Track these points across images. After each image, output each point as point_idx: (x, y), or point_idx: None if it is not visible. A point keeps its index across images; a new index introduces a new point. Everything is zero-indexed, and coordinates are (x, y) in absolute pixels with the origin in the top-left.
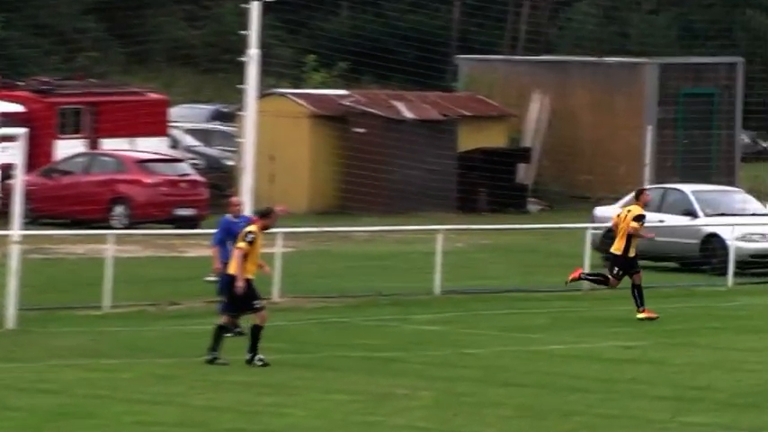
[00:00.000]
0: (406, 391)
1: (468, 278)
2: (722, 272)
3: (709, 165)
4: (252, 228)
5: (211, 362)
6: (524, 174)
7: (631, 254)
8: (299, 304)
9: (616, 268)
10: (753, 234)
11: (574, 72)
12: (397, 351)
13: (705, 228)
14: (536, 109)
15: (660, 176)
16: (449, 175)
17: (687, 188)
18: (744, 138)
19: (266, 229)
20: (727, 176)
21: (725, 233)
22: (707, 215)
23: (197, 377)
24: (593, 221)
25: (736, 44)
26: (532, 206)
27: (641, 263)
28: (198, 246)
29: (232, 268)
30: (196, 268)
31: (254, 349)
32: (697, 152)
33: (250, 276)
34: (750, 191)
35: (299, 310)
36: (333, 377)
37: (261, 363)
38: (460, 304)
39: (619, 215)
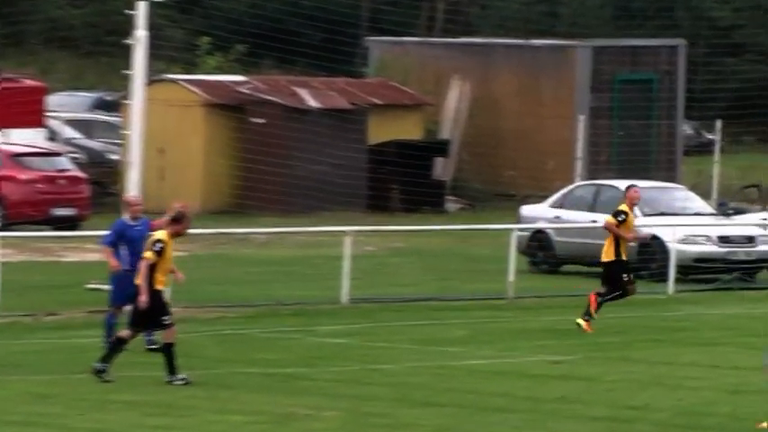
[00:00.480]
0: (310, 411)
1: (379, 285)
2: (662, 278)
3: (648, 159)
4: (160, 235)
5: (97, 373)
6: (442, 169)
7: (623, 256)
8: (191, 314)
9: (625, 275)
10: (696, 236)
11: (497, 56)
12: (299, 367)
13: (645, 229)
14: (455, 97)
15: (593, 172)
16: (358, 171)
17: (623, 185)
18: (686, 129)
19: (178, 235)
20: (667, 172)
21: (665, 235)
22: (645, 215)
23: (77, 396)
24: (519, 222)
25: (678, 25)
26: (451, 205)
27: (571, 269)
28: (78, 249)
29: (138, 280)
30: (76, 274)
31: (171, 370)
32: (634, 145)
33: (160, 288)
34: (693, 187)
35: (192, 321)
36: (229, 396)
37: (182, 382)
38: (370, 314)
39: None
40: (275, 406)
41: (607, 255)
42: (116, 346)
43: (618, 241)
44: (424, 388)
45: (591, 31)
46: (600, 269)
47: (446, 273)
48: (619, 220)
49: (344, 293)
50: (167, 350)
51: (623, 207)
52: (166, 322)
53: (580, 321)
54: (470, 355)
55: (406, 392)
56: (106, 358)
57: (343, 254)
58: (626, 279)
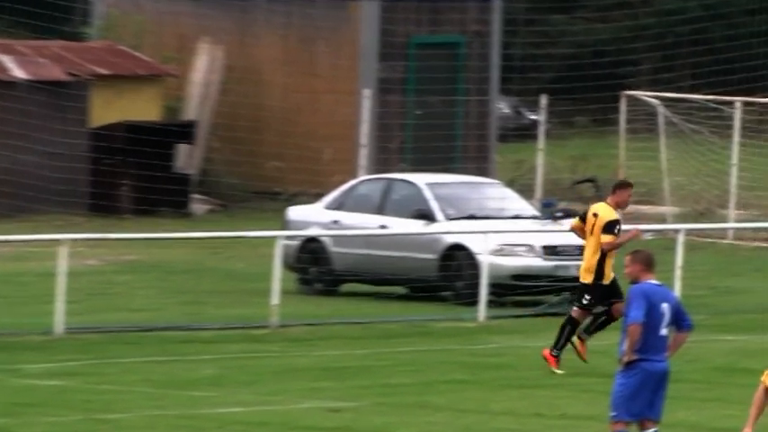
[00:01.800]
0: None
1: (104, 310)
2: (470, 300)
3: (453, 146)
4: None
5: None
6: (186, 159)
7: (607, 278)
8: None
9: (589, 298)
10: (515, 245)
11: (258, 13)
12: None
13: (446, 237)
14: (204, 66)
15: (382, 163)
16: (77, 161)
17: (421, 179)
18: (502, 107)
19: None
20: (478, 162)
21: (475, 245)
22: (449, 218)
23: None
24: (286, 228)
25: None
26: (198, 206)
27: (354, 288)
28: None
29: None
30: None
31: None
32: (435, 127)
33: None
34: (511, 183)
35: None
36: None
37: None
38: (94, 348)
39: (583, 217)
40: None
41: (585, 275)
42: None
43: (603, 263)
44: None
45: None
46: (390, 287)
47: (192, 294)
48: (616, 234)
49: (59, 321)
50: None
51: (612, 213)
52: None
53: (576, 341)
54: (223, 402)
55: None
56: None
57: (57, 269)
58: (587, 302)
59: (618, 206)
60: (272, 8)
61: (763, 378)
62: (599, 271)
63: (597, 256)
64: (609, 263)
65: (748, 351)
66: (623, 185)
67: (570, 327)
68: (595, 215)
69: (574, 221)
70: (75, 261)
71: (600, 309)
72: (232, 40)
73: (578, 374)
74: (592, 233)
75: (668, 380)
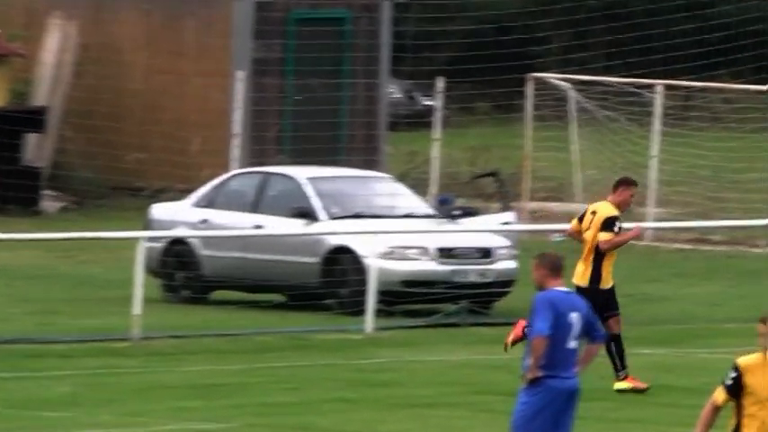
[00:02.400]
0: None
1: None
2: (356, 309)
3: (338, 135)
4: None
5: None
6: (36, 150)
7: (606, 283)
8: None
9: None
10: (407, 248)
11: None
12: None
13: (329, 238)
14: (55, 46)
15: (258, 154)
16: None
17: (301, 173)
18: (393, 91)
19: None
20: (366, 154)
21: (361, 247)
22: (333, 217)
23: None
24: (149, 228)
25: None
26: (49, 203)
27: (226, 296)
28: None
29: None
30: None
31: None
32: (317, 115)
33: None
34: (403, 177)
35: None
36: None
37: None
38: None
39: (581, 217)
40: None
41: (581, 278)
42: None
43: (599, 262)
44: None
45: None
46: (266, 295)
47: (43, 303)
48: (615, 232)
49: None
50: None
51: (612, 210)
52: None
53: (620, 385)
54: (79, 423)
55: None
56: None
57: None
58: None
59: (619, 207)
60: None
61: (714, 396)
62: (595, 274)
63: (592, 256)
64: (607, 265)
65: (668, 366)
66: (626, 183)
67: (614, 343)
68: (594, 213)
69: (572, 224)
70: None
71: None
72: (87, 15)
73: (477, 392)
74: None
75: (578, 398)
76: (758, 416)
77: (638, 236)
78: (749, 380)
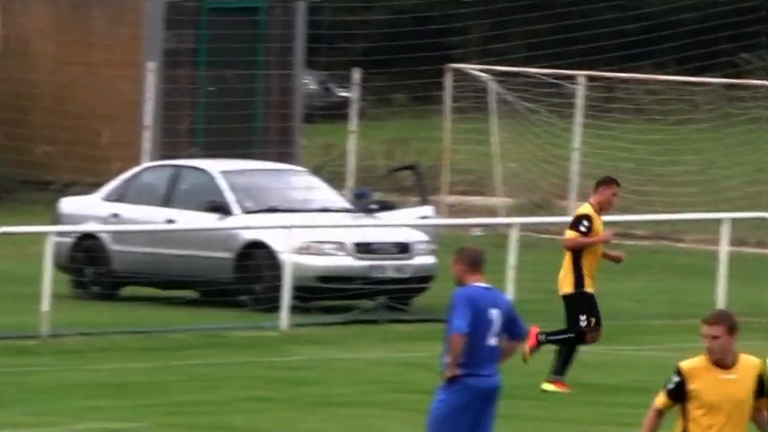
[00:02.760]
0: None
1: None
2: (271, 306)
3: (252, 128)
4: None
5: None
6: None
7: (588, 287)
8: None
9: (583, 316)
10: (323, 243)
11: None
12: None
13: (243, 233)
14: None
15: (169, 147)
16: None
17: (214, 167)
18: (309, 82)
19: None
20: (280, 147)
21: (276, 241)
22: (247, 211)
23: None
24: (58, 222)
25: None
26: None
27: (137, 292)
28: None
29: None
30: None
31: None
32: (231, 107)
33: None
34: (318, 170)
35: None
36: None
37: None
38: None
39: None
40: None
41: (564, 285)
42: None
43: (579, 266)
44: None
45: None
46: (178, 291)
47: None
48: (581, 231)
49: None
50: None
51: (586, 209)
52: None
53: (547, 387)
54: None
55: None
56: None
57: None
58: (585, 322)
59: (601, 207)
60: None
61: (656, 401)
62: (577, 277)
63: (571, 260)
64: (587, 266)
65: (592, 364)
66: (607, 182)
67: (570, 347)
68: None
69: (567, 235)
70: None
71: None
72: None
73: (394, 390)
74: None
75: (499, 397)
76: (702, 422)
77: (608, 240)
78: (694, 385)
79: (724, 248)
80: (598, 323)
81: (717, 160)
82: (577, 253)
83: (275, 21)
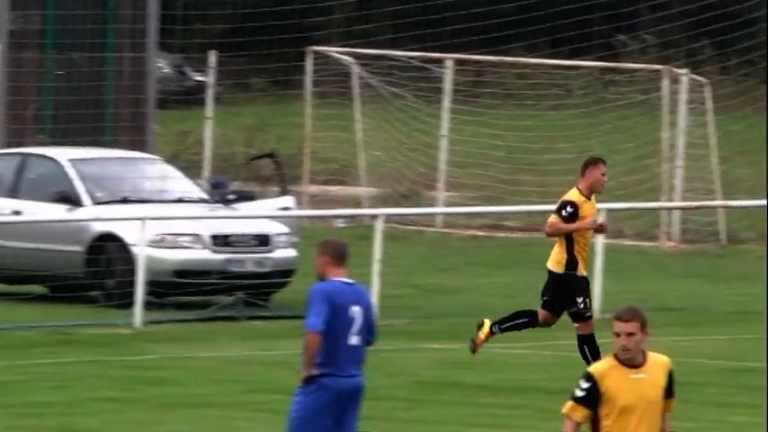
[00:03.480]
0: None
1: None
2: (124, 301)
3: (103, 114)
4: None
5: None
6: None
7: (581, 270)
8: None
9: (580, 298)
10: (178, 235)
11: None
12: None
13: (94, 225)
14: None
15: (15, 134)
16: None
17: (62, 155)
18: (162, 66)
19: None
20: (133, 134)
21: (129, 234)
22: (97, 202)
23: None
24: None
25: None
26: None
27: None
28: None
29: None
30: None
31: None
32: (80, 91)
33: None
34: (173, 159)
35: None
36: None
37: None
38: None
39: None
40: None
41: (556, 263)
42: None
43: (572, 249)
44: None
45: None
46: (28, 286)
47: None
48: (563, 216)
49: None
50: None
51: (572, 195)
52: None
53: (486, 326)
54: None
55: None
56: None
57: None
58: (582, 304)
59: (592, 190)
60: None
61: (569, 413)
62: (570, 260)
63: (565, 243)
64: (579, 250)
65: (459, 362)
66: (593, 163)
67: (588, 347)
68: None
69: (550, 221)
70: None
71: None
72: None
73: (255, 391)
74: None
75: (361, 398)
76: (614, 428)
77: (590, 227)
78: (606, 384)
79: (600, 241)
80: (583, 309)
81: (592, 148)
82: (569, 236)
83: (126, 0)
